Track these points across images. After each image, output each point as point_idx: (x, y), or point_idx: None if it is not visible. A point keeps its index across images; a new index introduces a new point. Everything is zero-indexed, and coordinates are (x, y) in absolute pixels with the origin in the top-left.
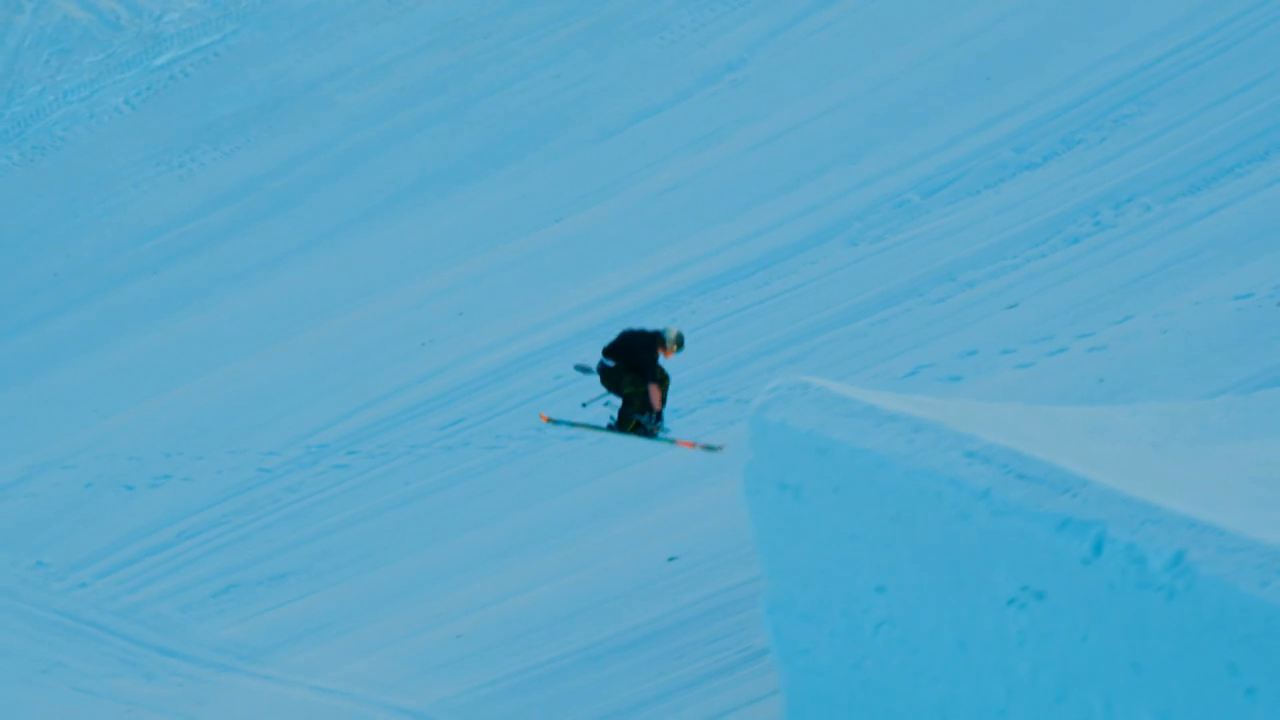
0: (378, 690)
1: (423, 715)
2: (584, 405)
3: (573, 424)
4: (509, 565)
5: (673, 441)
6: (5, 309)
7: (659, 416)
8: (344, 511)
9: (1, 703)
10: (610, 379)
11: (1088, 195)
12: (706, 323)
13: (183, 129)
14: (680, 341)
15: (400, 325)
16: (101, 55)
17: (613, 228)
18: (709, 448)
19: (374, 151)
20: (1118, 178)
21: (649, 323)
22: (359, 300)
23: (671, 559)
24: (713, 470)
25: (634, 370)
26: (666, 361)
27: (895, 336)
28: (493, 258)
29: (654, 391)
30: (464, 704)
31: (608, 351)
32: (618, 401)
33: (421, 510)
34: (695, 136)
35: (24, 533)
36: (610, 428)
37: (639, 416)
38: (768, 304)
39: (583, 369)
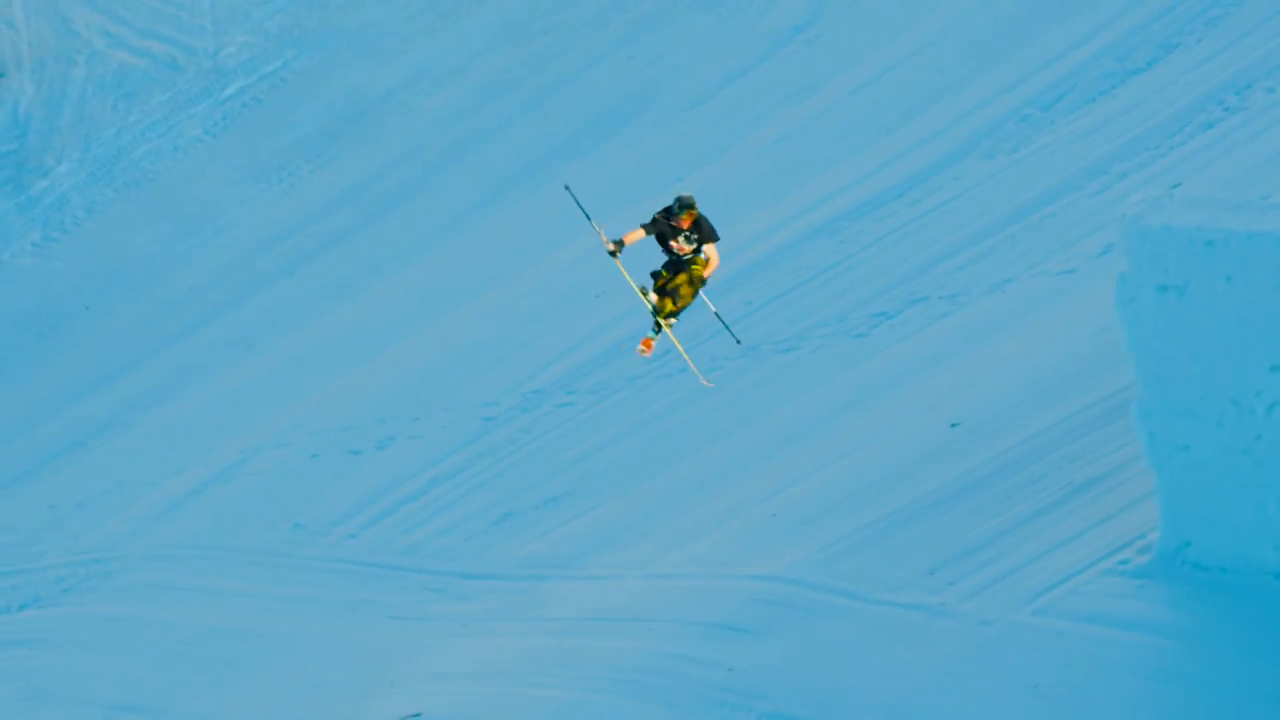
0: (720, 566)
1: (780, 578)
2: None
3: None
4: (788, 454)
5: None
6: (150, 322)
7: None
8: (589, 440)
9: (318, 638)
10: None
11: (1204, 88)
12: (872, 242)
13: (271, 149)
14: (685, 204)
15: (564, 286)
16: (168, 94)
17: (739, 178)
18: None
19: (471, 146)
20: (1226, 71)
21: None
22: (509, 272)
23: (954, 425)
24: (971, 341)
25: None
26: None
27: (1075, 223)
28: (630, 215)
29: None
30: (814, 563)
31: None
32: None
33: (672, 425)
34: (789, 91)
35: (266, 504)
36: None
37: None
38: (927, 218)
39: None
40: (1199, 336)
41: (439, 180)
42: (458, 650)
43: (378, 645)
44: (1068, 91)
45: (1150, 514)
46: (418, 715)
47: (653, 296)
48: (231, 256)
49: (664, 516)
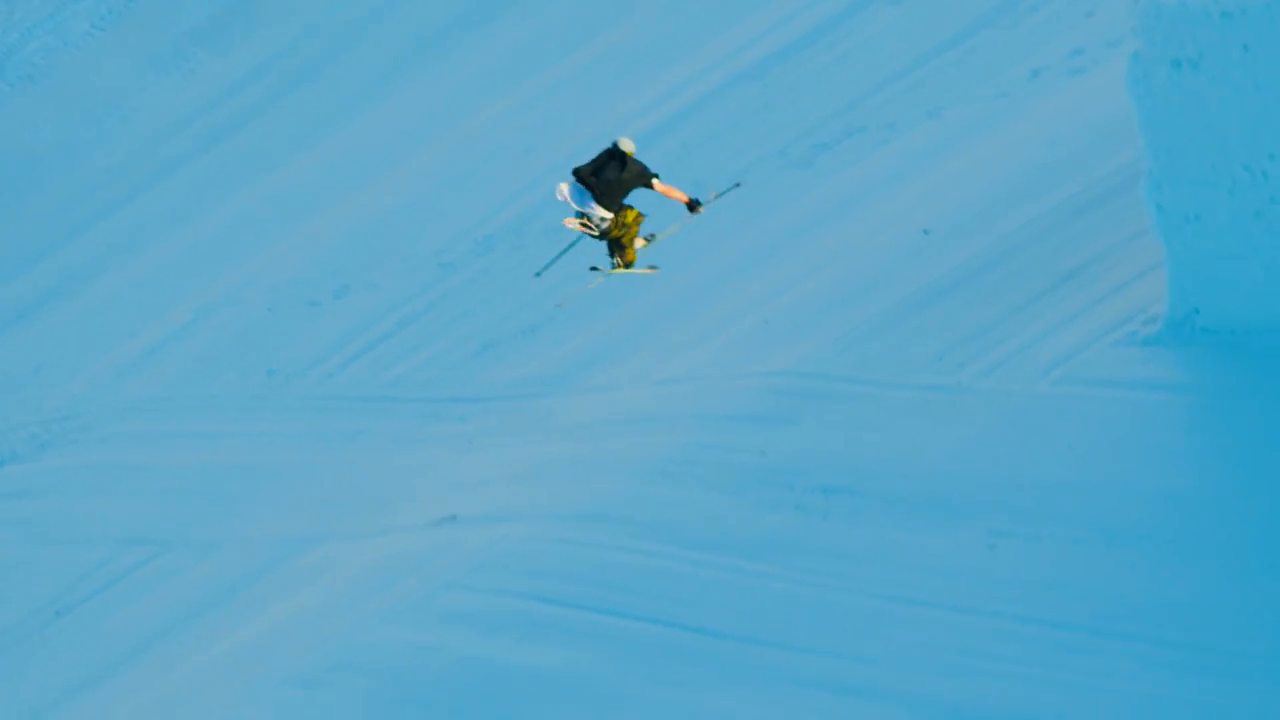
0: (726, 368)
1: (791, 372)
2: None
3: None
4: (764, 270)
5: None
6: (72, 203)
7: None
8: (552, 277)
9: (321, 466)
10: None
11: None
12: (796, 84)
13: (164, 39)
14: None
15: (492, 142)
16: None
17: (654, 32)
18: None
19: (369, 24)
20: None
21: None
22: (433, 136)
23: (926, 232)
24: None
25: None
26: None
27: (1001, 54)
28: (545, 79)
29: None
30: (822, 357)
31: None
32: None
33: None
34: None
35: (232, 355)
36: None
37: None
38: (848, 59)
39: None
40: (1212, 108)
41: (342, 57)
42: (473, 462)
43: (385, 466)
44: None
45: (1149, 289)
46: (453, 517)
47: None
48: (143, 140)
49: (652, 333)
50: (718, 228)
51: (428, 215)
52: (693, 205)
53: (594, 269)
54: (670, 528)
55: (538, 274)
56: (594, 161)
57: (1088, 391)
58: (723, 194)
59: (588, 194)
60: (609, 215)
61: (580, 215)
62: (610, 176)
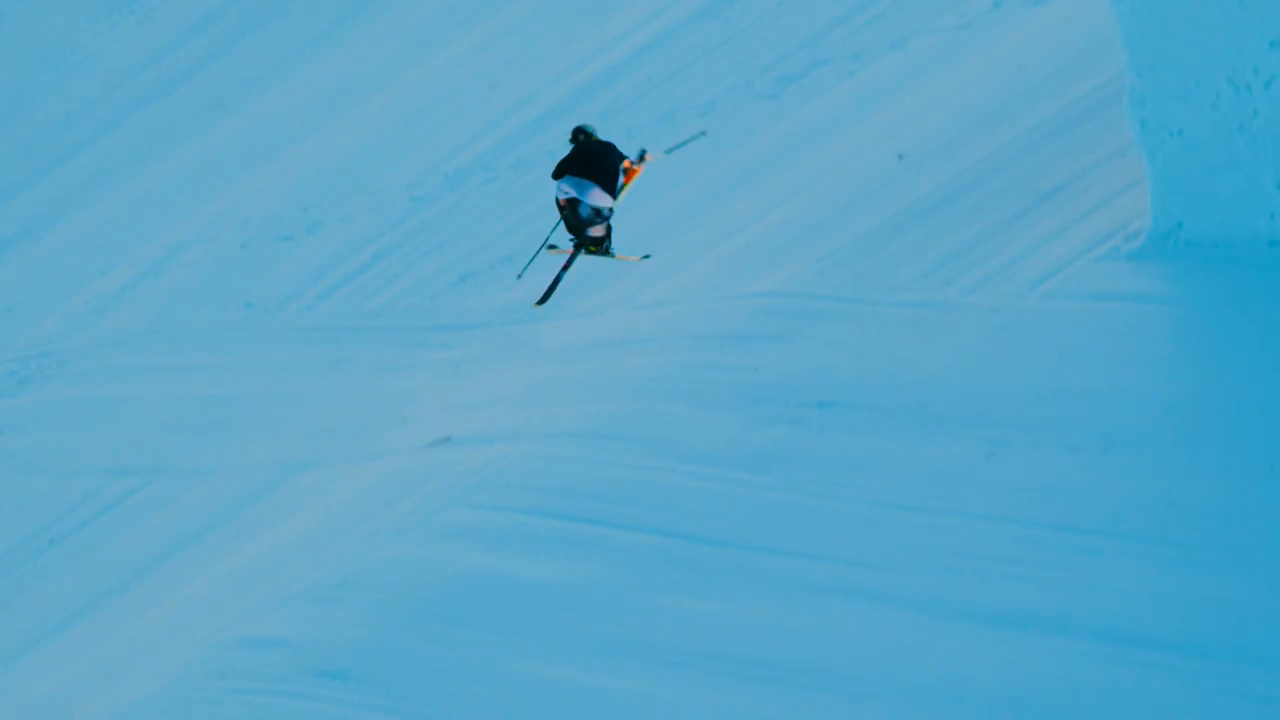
0: (711, 290)
1: (777, 293)
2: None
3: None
4: (740, 197)
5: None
6: (31, 148)
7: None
8: (525, 208)
9: (307, 394)
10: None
11: None
12: (755, 19)
13: None
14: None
15: (459, 78)
16: None
17: None
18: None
19: None
20: None
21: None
22: (400, 69)
23: (900, 156)
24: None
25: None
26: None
27: None
28: (509, 15)
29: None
30: (807, 278)
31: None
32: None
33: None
34: None
35: (207, 290)
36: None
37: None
38: None
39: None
40: (1195, 21)
41: (294, 3)
42: (462, 387)
43: (372, 393)
44: None
45: (1129, 206)
46: (447, 439)
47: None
48: (101, 83)
49: (637, 262)
50: (690, 159)
51: (395, 150)
52: (642, 156)
53: (552, 247)
54: (667, 443)
55: (519, 276)
56: (577, 157)
57: (1076, 305)
58: (684, 143)
59: (589, 184)
60: (611, 204)
61: (575, 227)
62: (607, 165)
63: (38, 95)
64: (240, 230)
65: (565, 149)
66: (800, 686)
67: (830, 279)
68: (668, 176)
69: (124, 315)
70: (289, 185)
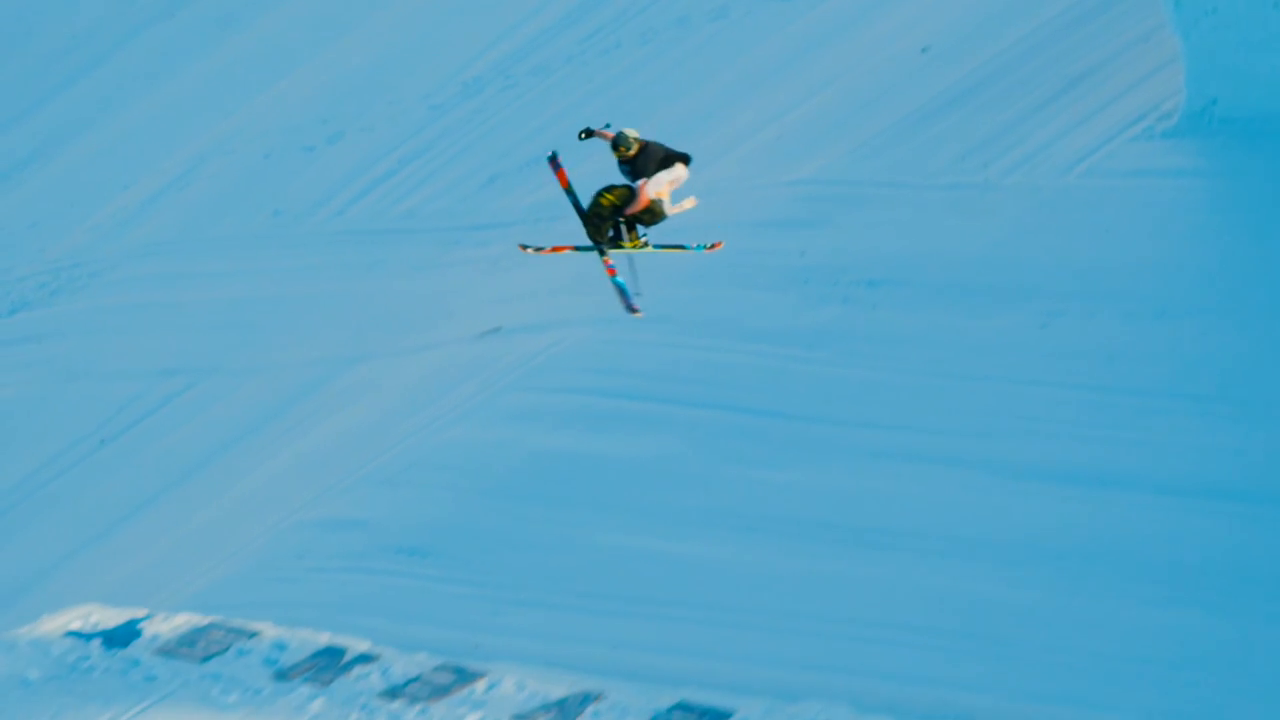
0: (748, 179)
1: (815, 180)
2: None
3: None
4: (765, 93)
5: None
6: (41, 69)
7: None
8: (547, 113)
9: (347, 295)
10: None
11: None
12: None
13: None
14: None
15: None
16: None
17: None
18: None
19: None
20: None
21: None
22: None
23: (925, 49)
24: None
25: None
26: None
27: None
28: None
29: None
30: (844, 165)
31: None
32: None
33: (631, 88)
34: None
35: (233, 199)
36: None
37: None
38: None
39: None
40: None
41: None
42: (504, 281)
43: (413, 291)
44: None
45: (1160, 87)
46: (498, 329)
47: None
48: (104, 5)
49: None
50: (707, 60)
51: (411, 62)
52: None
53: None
54: (721, 324)
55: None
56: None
57: (1116, 182)
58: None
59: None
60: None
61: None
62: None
63: (44, 18)
64: (261, 142)
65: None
66: (879, 547)
67: (866, 166)
68: (687, 79)
69: (150, 226)
70: (306, 98)
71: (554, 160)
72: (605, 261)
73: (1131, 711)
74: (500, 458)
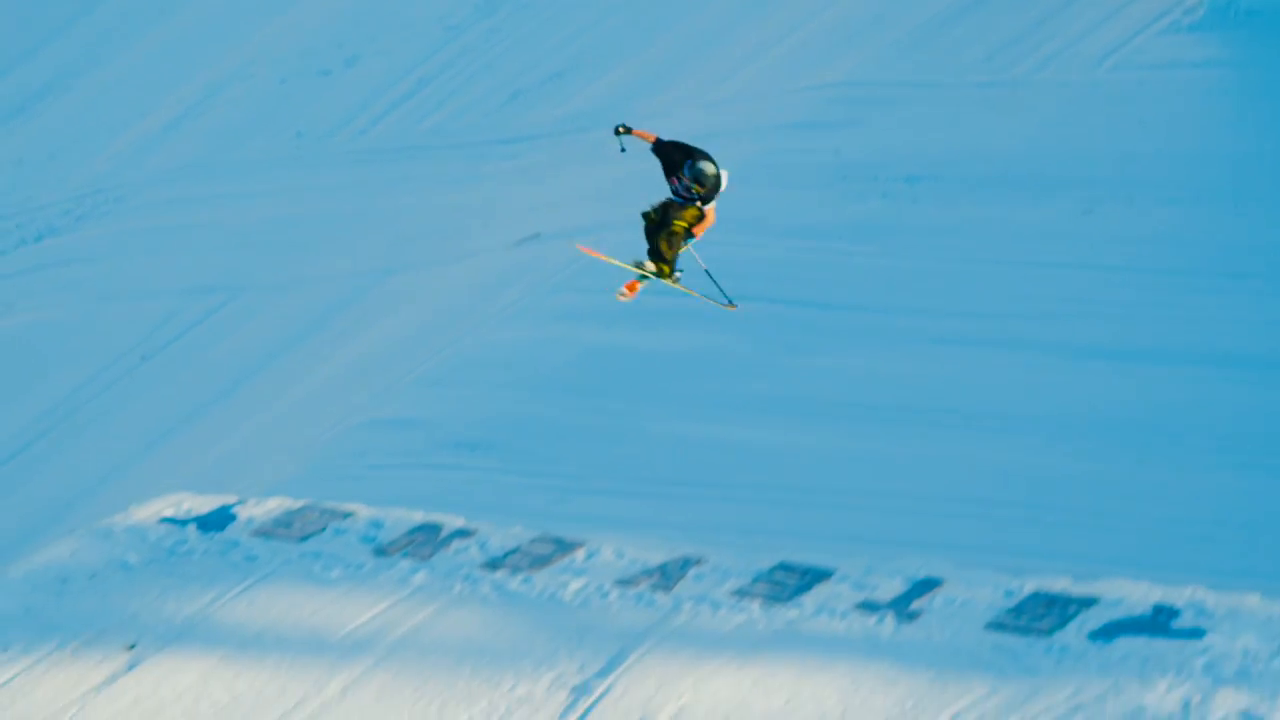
0: (778, 83)
1: (844, 82)
2: None
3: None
4: (785, 4)
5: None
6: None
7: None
8: (565, 28)
9: (378, 210)
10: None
11: None
12: None
13: None
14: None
15: None
16: None
17: None
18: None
19: None
20: None
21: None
22: None
23: None
24: None
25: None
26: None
27: None
28: None
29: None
30: (872, 68)
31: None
32: None
33: (647, 2)
34: None
35: (254, 123)
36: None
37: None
38: None
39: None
40: None
41: None
42: (537, 191)
43: (445, 203)
44: None
45: None
46: (536, 235)
47: (650, 266)
48: None
49: (691, 63)
50: None
51: None
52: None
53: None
54: (763, 221)
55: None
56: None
57: (1146, 75)
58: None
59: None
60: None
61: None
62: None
63: None
64: (277, 68)
65: None
66: (946, 426)
67: (894, 67)
68: None
69: (171, 153)
70: (318, 24)
71: (623, 128)
72: (675, 281)
73: (1206, 571)
74: (552, 354)
